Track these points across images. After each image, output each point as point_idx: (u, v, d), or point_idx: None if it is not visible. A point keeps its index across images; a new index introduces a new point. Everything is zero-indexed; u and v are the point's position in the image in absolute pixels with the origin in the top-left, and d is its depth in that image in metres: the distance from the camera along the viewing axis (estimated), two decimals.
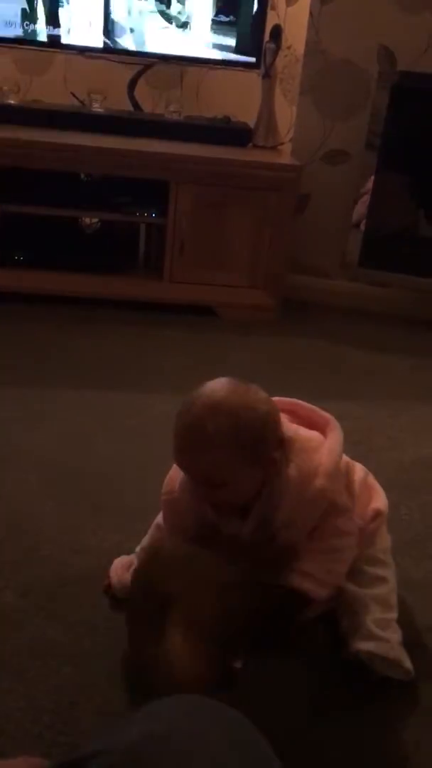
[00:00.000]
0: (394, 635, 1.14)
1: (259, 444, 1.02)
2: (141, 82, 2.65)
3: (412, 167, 2.48)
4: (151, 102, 2.74)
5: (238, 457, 1.01)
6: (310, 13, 2.44)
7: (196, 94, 2.77)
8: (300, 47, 2.52)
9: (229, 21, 2.53)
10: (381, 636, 1.12)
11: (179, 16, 2.49)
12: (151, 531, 1.24)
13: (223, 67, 2.61)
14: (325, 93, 2.53)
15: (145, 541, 1.24)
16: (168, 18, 2.50)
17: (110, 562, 1.29)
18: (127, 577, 1.22)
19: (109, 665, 1.11)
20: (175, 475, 1.15)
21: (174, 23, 2.50)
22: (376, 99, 2.38)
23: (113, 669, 1.10)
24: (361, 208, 2.51)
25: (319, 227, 2.68)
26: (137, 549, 1.25)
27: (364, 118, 2.46)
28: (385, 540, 1.25)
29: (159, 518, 1.22)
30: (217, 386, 1.04)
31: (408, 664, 1.12)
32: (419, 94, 2.36)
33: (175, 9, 2.49)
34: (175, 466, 1.14)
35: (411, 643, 1.15)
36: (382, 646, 1.11)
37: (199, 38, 2.54)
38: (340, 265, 2.66)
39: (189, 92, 2.75)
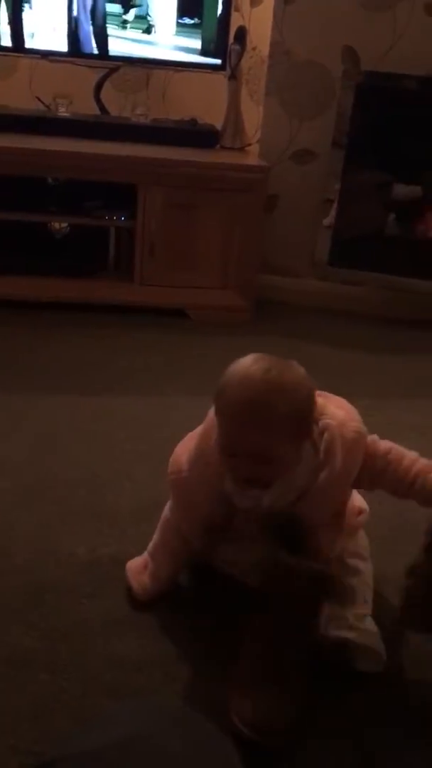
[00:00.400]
0: (373, 627, 1.16)
1: (307, 420, 1.05)
2: (107, 85, 2.65)
3: (379, 165, 2.51)
4: (118, 105, 2.74)
5: (290, 434, 1.02)
6: (274, 15, 2.45)
7: (163, 97, 2.77)
8: (265, 48, 2.53)
9: (194, 23, 2.53)
10: (360, 627, 1.14)
11: (138, 23, 2.49)
12: (160, 529, 1.24)
13: (188, 69, 2.61)
14: (291, 93, 2.54)
15: (157, 537, 1.24)
16: (123, 23, 2.50)
17: (85, 569, 1.29)
18: (146, 579, 1.23)
19: (86, 672, 1.10)
20: (181, 453, 1.16)
21: (129, 28, 2.50)
22: (342, 99, 2.40)
23: (89, 676, 1.10)
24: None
25: (289, 227, 2.69)
26: (149, 547, 1.25)
27: (331, 118, 2.48)
28: (363, 538, 1.29)
29: (166, 511, 1.22)
30: (266, 364, 1.04)
31: (384, 656, 1.13)
32: (384, 93, 2.39)
33: (131, 15, 2.49)
34: (179, 446, 1.17)
35: (384, 638, 1.16)
36: (363, 635, 1.13)
37: (165, 41, 2.54)
38: (310, 265, 2.67)
39: (155, 95, 2.75)
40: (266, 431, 1.01)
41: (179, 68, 2.63)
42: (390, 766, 1.01)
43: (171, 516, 1.22)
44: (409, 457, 1.13)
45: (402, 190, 2.53)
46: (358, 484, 1.16)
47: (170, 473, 1.17)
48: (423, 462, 1.12)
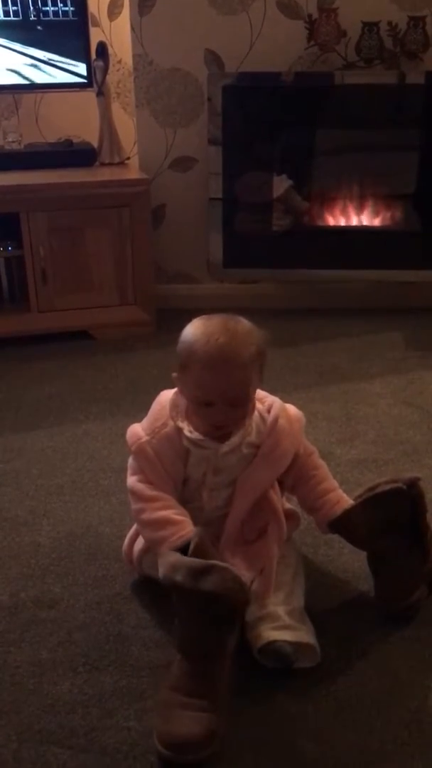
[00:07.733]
0: (307, 622, 1.18)
1: (264, 359, 1.19)
2: None
3: (257, 161, 2.54)
4: None
5: (255, 372, 1.17)
6: (132, 27, 2.45)
7: (35, 120, 2.73)
8: (130, 60, 2.53)
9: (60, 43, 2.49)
10: (295, 624, 1.16)
11: None
12: (141, 503, 1.22)
13: (55, 90, 2.58)
14: (161, 103, 2.55)
15: (149, 515, 1.21)
16: None
17: (9, 615, 1.27)
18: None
19: (19, 721, 1.08)
20: (134, 428, 1.26)
21: None
22: (211, 102, 2.43)
23: (24, 725, 1.08)
24: None
25: (180, 235, 2.70)
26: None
27: (204, 122, 2.50)
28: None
29: (132, 484, 1.24)
30: (219, 320, 1.18)
31: (319, 649, 1.15)
32: (251, 93, 2.42)
33: None
34: (130, 429, 1.25)
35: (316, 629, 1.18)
36: (298, 633, 1.14)
37: (32, 63, 2.50)
38: (206, 269, 2.69)
39: (27, 119, 2.71)
40: (239, 372, 1.14)
41: (46, 90, 2.60)
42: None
43: (138, 482, 1.23)
44: (331, 481, 1.29)
45: (277, 184, 2.57)
46: (287, 473, 1.27)
47: (131, 444, 1.24)
48: (339, 493, 1.28)
